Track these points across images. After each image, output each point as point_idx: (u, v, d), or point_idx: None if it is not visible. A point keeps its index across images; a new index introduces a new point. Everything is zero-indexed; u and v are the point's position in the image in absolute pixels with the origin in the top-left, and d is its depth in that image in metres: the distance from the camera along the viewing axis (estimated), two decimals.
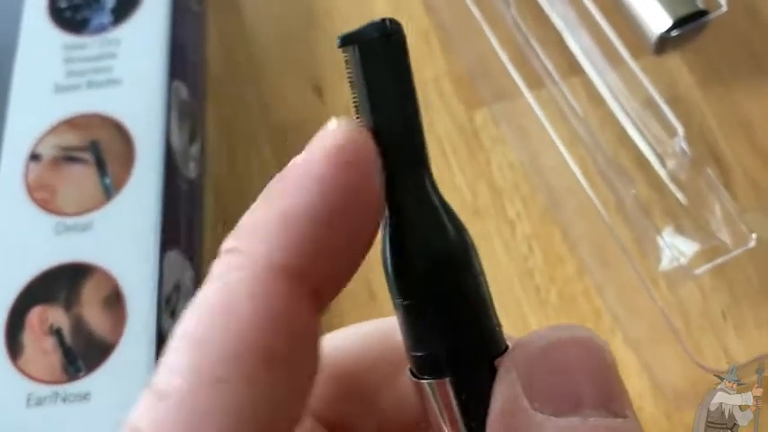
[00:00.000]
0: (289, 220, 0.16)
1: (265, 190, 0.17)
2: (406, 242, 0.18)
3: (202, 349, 0.15)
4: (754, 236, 0.36)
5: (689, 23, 0.40)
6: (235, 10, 0.51)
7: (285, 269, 0.16)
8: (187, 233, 0.41)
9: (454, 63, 0.46)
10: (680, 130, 0.38)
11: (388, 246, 0.18)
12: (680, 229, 0.37)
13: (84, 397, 0.35)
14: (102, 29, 0.45)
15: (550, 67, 0.41)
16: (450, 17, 0.47)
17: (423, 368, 0.18)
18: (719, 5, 0.40)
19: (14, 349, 0.36)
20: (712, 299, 0.37)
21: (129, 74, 0.43)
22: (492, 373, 0.17)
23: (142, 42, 0.44)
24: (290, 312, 0.16)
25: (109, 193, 0.40)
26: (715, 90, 0.42)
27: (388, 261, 0.18)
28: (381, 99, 0.17)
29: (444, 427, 0.18)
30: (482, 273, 0.18)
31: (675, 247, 0.36)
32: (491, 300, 0.18)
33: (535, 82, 0.41)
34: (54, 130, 0.42)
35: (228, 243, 0.17)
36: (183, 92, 0.44)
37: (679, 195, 0.38)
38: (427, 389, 0.18)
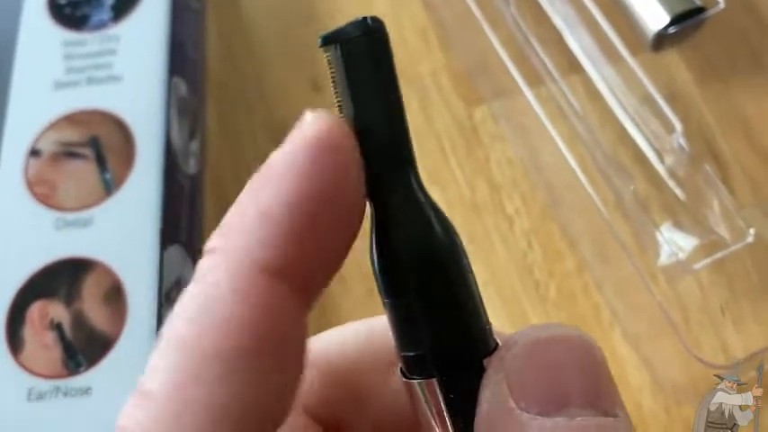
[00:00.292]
0: (266, 215, 0.16)
1: (246, 186, 0.17)
2: (391, 241, 0.17)
3: (184, 349, 0.15)
4: (752, 231, 0.36)
5: (686, 20, 0.40)
6: (234, 6, 0.51)
7: (265, 265, 0.16)
8: (187, 229, 0.41)
9: (453, 60, 0.46)
10: (678, 126, 0.38)
11: (375, 245, 0.18)
12: (678, 225, 0.38)
13: (85, 391, 0.35)
14: (101, 25, 0.45)
15: (549, 64, 0.41)
16: (448, 14, 0.47)
17: (411, 368, 0.18)
18: (717, 2, 0.40)
19: (15, 344, 0.37)
20: (711, 294, 0.37)
21: (128, 70, 0.43)
22: (480, 372, 0.17)
23: (142, 39, 0.44)
24: (271, 309, 0.16)
25: (109, 188, 0.40)
26: (713, 87, 0.42)
27: (375, 260, 0.18)
28: (365, 98, 0.17)
29: (434, 427, 0.18)
30: (470, 271, 0.18)
31: (674, 243, 0.37)
32: (480, 298, 0.18)
33: (534, 79, 0.41)
34: (54, 125, 0.42)
35: (211, 243, 0.17)
36: (183, 88, 0.44)
37: (677, 191, 0.38)
38: (416, 389, 0.18)
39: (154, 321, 0.36)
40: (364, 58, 0.17)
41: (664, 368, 0.37)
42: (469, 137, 0.44)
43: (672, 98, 0.41)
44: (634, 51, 0.41)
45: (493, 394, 0.17)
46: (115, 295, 0.37)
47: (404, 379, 0.18)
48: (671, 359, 0.36)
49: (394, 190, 0.17)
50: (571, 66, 0.42)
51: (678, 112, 0.40)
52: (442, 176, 0.43)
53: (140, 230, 0.38)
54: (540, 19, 0.43)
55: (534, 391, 0.16)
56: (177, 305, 0.16)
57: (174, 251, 0.40)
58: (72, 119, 0.42)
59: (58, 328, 0.37)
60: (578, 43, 0.42)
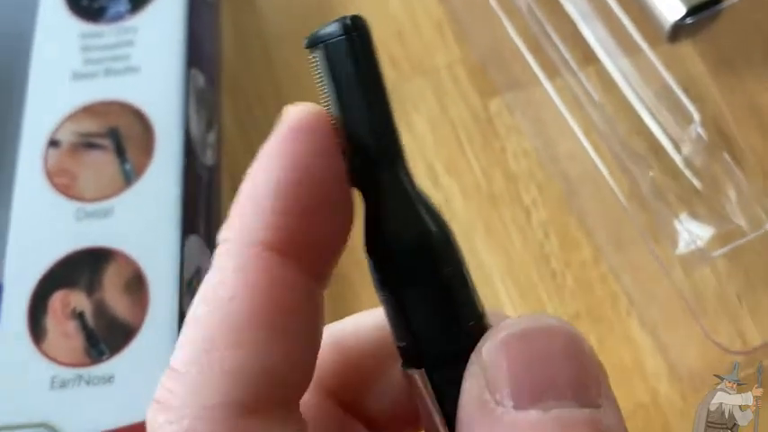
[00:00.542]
0: (258, 199, 0.17)
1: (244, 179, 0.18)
2: (381, 234, 0.18)
3: (199, 326, 0.17)
4: None
5: (703, 12, 0.40)
6: (249, 1, 0.51)
7: (263, 245, 0.17)
8: (206, 219, 0.42)
9: (468, 52, 0.47)
10: (696, 116, 0.38)
11: (365, 238, 0.18)
12: (695, 214, 0.38)
13: (108, 380, 0.36)
14: (118, 17, 0.45)
15: (566, 55, 0.42)
16: (463, 6, 0.47)
17: (404, 358, 0.18)
18: None
19: (38, 333, 0.37)
20: (728, 283, 0.38)
21: (146, 62, 0.43)
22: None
23: (159, 31, 0.44)
24: (274, 283, 0.17)
25: (129, 178, 0.40)
26: (728, 78, 0.43)
27: (366, 253, 0.18)
28: (349, 96, 0.18)
29: (427, 416, 0.18)
30: (462, 263, 0.18)
31: (692, 232, 0.37)
32: (473, 290, 0.18)
33: (550, 70, 0.41)
34: (72, 116, 0.42)
35: (221, 234, 0.18)
36: (201, 80, 0.45)
37: (694, 181, 0.38)
38: (410, 379, 0.18)
39: (176, 310, 0.37)
40: (347, 57, 0.17)
41: (680, 355, 0.37)
42: (485, 128, 0.44)
43: (688, 89, 0.41)
44: (650, 42, 0.41)
45: (470, 386, 0.17)
46: (136, 284, 0.37)
47: (400, 369, 0.18)
48: (688, 346, 0.36)
49: (382, 183, 0.18)
50: (587, 57, 0.42)
51: (694, 102, 0.40)
52: (459, 167, 0.44)
53: (161, 220, 0.39)
54: (556, 10, 0.43)
55: (509, 384, 0.16)
56: (197, 293, 0.18)
57: (194, 241, 0.40)
58: (91, 110, 0.42)
59: (80, 317, 0.37)
60: (594, 34, 0.42)
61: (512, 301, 0.40)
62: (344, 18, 0.18)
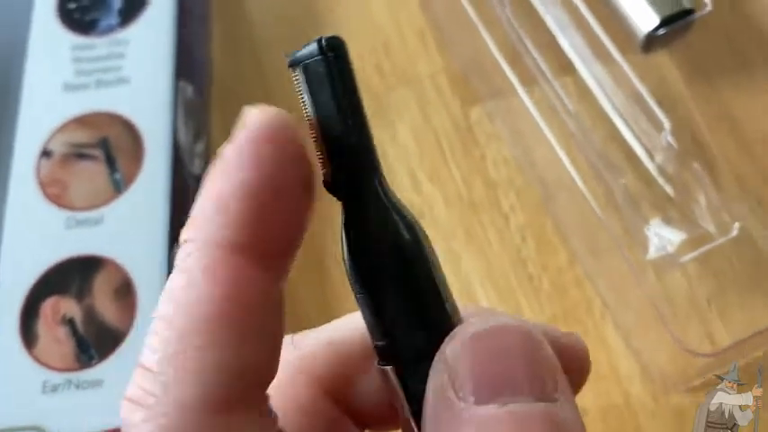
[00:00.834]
0: (223, 199, 0.18)
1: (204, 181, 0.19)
2: (355, 239, 0.19)
3: (175, 326, 0.17)
4: (737, 225, 0.38)
5: (675, 22, 0.41)
6: (238, 12, 0.52)
7: (230, 243, 0.18)
8: None
9: (450, 60, 0.48)
10: (666, 124, 0.39)
11: (343, 242, 0.19)
12: (667, 220, 0.39)
13: (97, 384, 0.37)
14: (109, 30, 0.46)
15: (543, 65, 0.43)
16: (445, 15, 0.48)
17: (380, 356, 0.20)
18: (705, 4, 0.41)
19: (29, 339, 0.38)
20: (698, 286, 0.39)
21: (136, 73, 0.44)
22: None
23: (149, 43, 0.45)
24: (237, 281, 0.18)
25: (119, 188, 0.41)
26: (701, 86, 0.44)
27: (343, 257, 0.19)
28: (328, 112, 0.19)
29: (400, 411, 0.19)
30: (434, 265, 0.19)
31: (663, 237, 0.38)
32: (443, 291, 0.19)
33: (528, 80, 0.43)
34: (64, 127, 0.43)
35: (182, 235, 0.18)
36: (189, 91, 0.46)
37: (667, 187, 0.39)
38: (384, 375, 0.19)
39: None
40: (325, 76, 0.19)
41: (652, 358, 0.38)
42: (466, 136, 0.46)
43: (661, 98, 0.42)
44: (625, 52, 0.42)
45: (434, 383, 0.18)
46: (125, 291, 0.39)
47: (376, 365, 0.20)
48: (659, 349, 0.37)
49: (359, 193, 0.19)
50: (564, 67, 0.43)
51: (667, 111, 0.41)
52: (440, 175, 0.45)
53: (149, 229, 0.40)
54: (534, 21, 0.44)
55: (470, 380, 0.17)
56: (163, 292, 0.18)
57: None
58: (82, 121, 0.43)
59: (70, 323, 0.38)
60: (571, 45, 0.43)
61: (491, 304, 0.41)
62: (320, 39, 0.19)
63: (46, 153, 0.42)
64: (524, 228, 0.43)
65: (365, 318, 0.20)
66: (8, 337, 0.38)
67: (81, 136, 0.43)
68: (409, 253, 0.19)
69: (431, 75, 0.48)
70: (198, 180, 0.45)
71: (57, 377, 0.37)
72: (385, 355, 0.19)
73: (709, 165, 0.41)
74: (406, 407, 0.19)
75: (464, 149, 0.45)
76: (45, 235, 0.40)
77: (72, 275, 0.39)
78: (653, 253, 0.38)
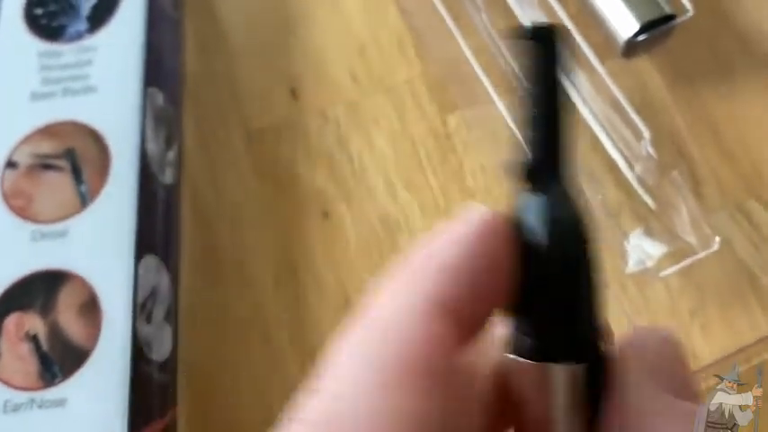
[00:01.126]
0: (445, 268, 0.19)
1: (416, 245, 0.20)
2: (542, 226, 0.20)
3: (368, 359, 0.18)
4: (718, 239, 0.37)
5: (656, 27, 0.40)
6: (211, 15, 0.51)
7: (439, 303, 0.19)
8: (163, 238, 0.42)
9: (428, 67, 0.47)
10: (646, 133, 0.38)
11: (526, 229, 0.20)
12: (648, 232, 0.38)
13: (61, 403, 0.36)
14: (78, 36, 0.45)
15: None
16: (423, 22, 0.47)
17: (538, 352, 0.19)
18: (686, 10, 0.41)
19: None
20: (680, 300, 0.38)
21: (104, 81, 0.43)
22: (602, 362, 0.19)
23: (118, 50, 0.44)
24: (441, 337, 0.18)
25: (85, 200, 0.40)
26: (683, 92, 0.43)
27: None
28: (547, 87, 0.20)
29: (550, 409, 0.19)
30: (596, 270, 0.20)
31: (642, 250, 0.37)
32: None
33: (505, 87, 0.42)
34: (30, 138, 0.42)
35: (377, 285, 0.20)
36: (159, 98, 0.45)
37: (647, 198, 0.39)
38: (547, 374, 0.19)
39: (128, 333, 0.37)
40: (554, 58, 0.19)
41: None
42: (444, 144, 0.45)
43: (643, 104, 0.41)
44: (605, 59, 0.41)
45: (637, 382, 0.19)
46: (90, 307, 0.38)
47: (528, 362, 0.20)
48: None
49: (547, 184, 0.20)
50: None
51: (649, 118, 0.40)
52: (417, 183, 0.44)
53: (115, 242, 0.39)
54: (512, 27, 0.43)
55: (670, 378, 0.19)
56: (358, 317, 0.19)
57: (150, 261, 0.40)
58: (48, 131, 0.42)
59: (33, 339, 0.37)
60: None
61: None
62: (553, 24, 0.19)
63: (11, 164, 0.41)
64: None
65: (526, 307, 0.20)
66: None
67: (47, 146, 0.42)
68: (584, 246, 0.20)
69: (408, 81, 0.47)
70: (169, 189, 0.44)
71: (19, 396, 0.36)
72: (552, 351, 0.19)
73: (691, 173, 0.40)
74: (575, 407, 0.19)
75: (441, 157, 0.44)
76: (9, 248, 0.39)
77: (36, 290, 0.38)
78: (632, 266, 0.37)
